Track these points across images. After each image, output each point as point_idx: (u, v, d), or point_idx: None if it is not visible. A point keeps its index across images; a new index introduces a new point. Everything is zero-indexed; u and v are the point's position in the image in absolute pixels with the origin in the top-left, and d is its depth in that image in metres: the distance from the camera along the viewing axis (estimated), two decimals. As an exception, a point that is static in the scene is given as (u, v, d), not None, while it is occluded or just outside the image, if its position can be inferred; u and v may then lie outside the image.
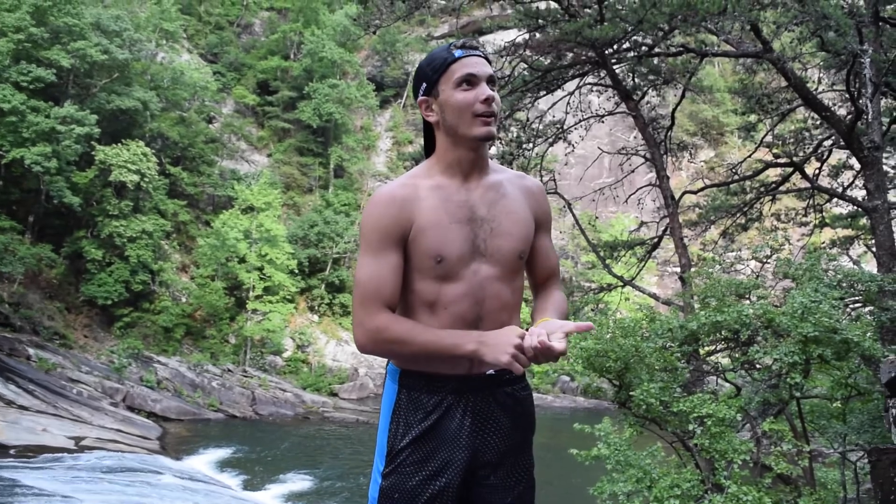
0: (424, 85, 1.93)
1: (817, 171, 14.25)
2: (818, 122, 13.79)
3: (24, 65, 26.76)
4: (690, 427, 6.29)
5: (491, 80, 1.90)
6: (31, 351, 25.12)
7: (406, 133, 43.58)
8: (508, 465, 1.95)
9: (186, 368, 29.54)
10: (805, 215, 15.07)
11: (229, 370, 31.04)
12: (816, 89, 12.70)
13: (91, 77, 30.07)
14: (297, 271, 34.44)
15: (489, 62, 1.94)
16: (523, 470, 1.98)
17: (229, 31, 43.28)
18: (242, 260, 32.65)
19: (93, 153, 28.28)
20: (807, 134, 14.78)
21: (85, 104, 28.80)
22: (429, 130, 2.01)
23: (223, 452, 23.05)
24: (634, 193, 14.47)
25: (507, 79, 13.11)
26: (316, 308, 36.56)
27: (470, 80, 1.88)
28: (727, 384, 8.18)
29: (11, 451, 19.19)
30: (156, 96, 31.88)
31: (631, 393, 6.67)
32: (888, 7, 11.06)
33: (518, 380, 1.98)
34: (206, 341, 32.13)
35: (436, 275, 1.88)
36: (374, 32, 14.39)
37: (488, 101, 1.87)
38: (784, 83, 12.78)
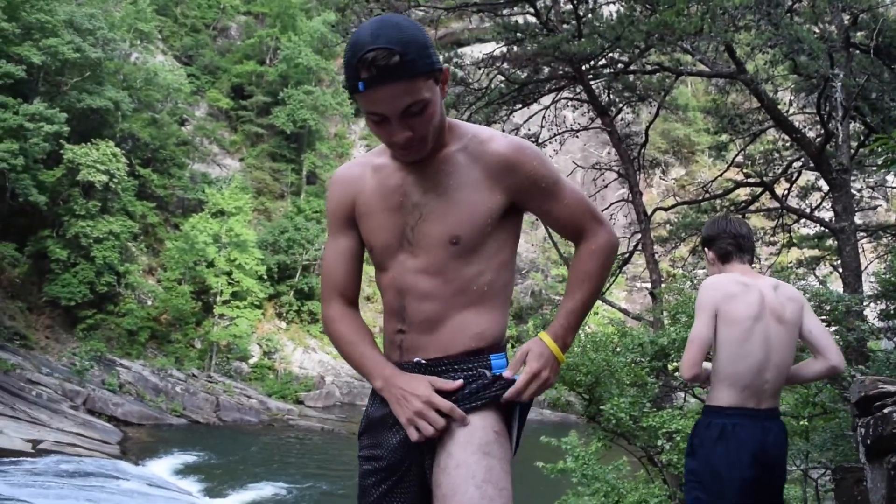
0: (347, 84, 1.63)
1: (786, 192, 14.49)
2: (788, 144, 14.05)
3: (-8, 60, 26.30)
4: (659, 442, 6.31)
5: (410, 109, 1.59)
6: (-10, 351, 24.58)
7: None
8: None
9: (150, 372, 29.06)
10: (773, 235, 15.31)
11: (194, 375, 30.60)
12: (787, 111, 12.91)
13: (62, 75, 29.60)
14: (265, 277, 34.14)
15: (418, 71, 1.56)
16: None
17: (205, 33, 42.90)
18: (211, 264, 32.26)
19: (61, 152, 27.79)
20: (777, 155, 15.04)
21: (55, 102, 28.32)
22: None
23: (185, 458, 22.70)
24: (607, 209, 14.57)
25: (483, 91, 13.16)
26: (284, 315, 36.23)
27: (380, 118, 1.62)
28: (694, 399, 8.23)
29: (-34, 454, 18.75)
30: (128, 97, 31.46)
31: (601, 407, 6.68)
32: (858, 33, 11.29)
33: (449, 370, 1.75)
34: (171, 345, 31.65)
35: (375, 262, 1.84)
36: (352, 40, 14.36)
37: (402, 140, 1.64)
38: (756, 104, 13.00)
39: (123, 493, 17.82)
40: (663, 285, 11.31)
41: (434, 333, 1.76)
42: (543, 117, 14.26)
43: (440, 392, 1.69)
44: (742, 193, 15.20)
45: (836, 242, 10.86)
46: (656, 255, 13.05)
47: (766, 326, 2.84)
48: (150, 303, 32.05)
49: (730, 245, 3.03)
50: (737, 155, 15.18)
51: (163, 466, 21.74)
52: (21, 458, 19.26)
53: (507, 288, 1.82)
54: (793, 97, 14.32)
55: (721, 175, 15.58)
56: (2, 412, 21.60)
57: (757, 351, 2.82)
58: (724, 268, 3.04)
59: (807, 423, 6.66)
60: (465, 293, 1.75)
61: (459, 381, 1.69)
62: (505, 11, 13.32)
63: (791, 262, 15.09)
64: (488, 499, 1.56)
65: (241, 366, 32.95)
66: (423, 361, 1.75)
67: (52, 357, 27.43)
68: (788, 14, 10.73)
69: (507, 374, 1.74)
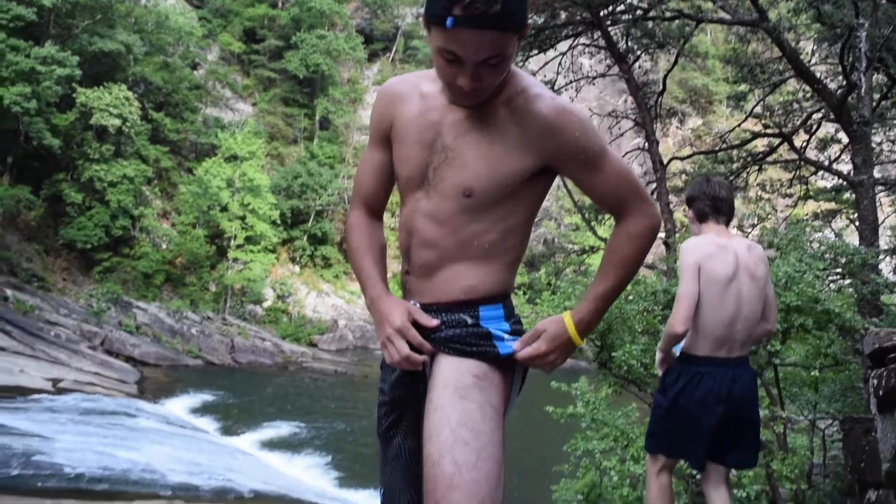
0: (424, 10, 1.54)
1: (805, 144, 14.32)
2: (809, 95, 13.84)
3: (3, 2, 26.03)
4: (669, 390, 6.39)
5: (489, 61, 1.52)
6: (9, 292, 24.94)
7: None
8: None
9: (166, 314, 29.51)
10: (790, 187, 15.18)
11: (209, 318, 31.05)
12: (809, 62, 12.70)
13: (73, 18, 29.35)
14: (279, 222, 34.34)
15: (512, 26, 1.49)
16: None
17: (216, -26, 42.30)
18: (224, 208, 32.44)
19: (74, 95, 27.75)
20: (797, 106, 14.83)
21: (66, 45, 28.15)
22: None
23: (201, 398, 23.15)
24: (623, 157, 14.46)
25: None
26: (297, 259, 36.52)
27: (454, 59, 1.53)
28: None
29: (-12, 392, 19.16)
30: (139, 40, 31.23)
31: (612, 354, 6.77)
32: (886, -19, 11.01)
33: (437, 317, 1.74)
34: (186, 288, 32.06)
35: (399, 191, 1.86)
36: (368, -18, 14.15)
37: (467, 86, 1.56)
38: (777, 54, 12.79)
39: (142, 430, 18.25)
40: (677, 235, 11.30)
41: (430, 280, 1.77)
42: (560, 64, 14.07)
43: (419, 326, 1.72)
44: (760, 144, 15.04)
45: (853, 195, 10.79)
46: (671, 205, 13.02)
47: (739, 283, 3.15)
48: (164, 246, 32.35)
49: (707, 206, 3.32)
50: (755, 105, 14.96)
51: (179, 406, 22.19)
52: (41, 396, 19.70)
53: (511, 251, 1.76)
54: (815, 47, 14.04)
55: (739, 125, 15.38)
56: (22, 352, 22.05)
57: (731, 305, 3.12)
58: (701, 227, 3.35)
59: (817, 374, 6.74)
60: (466, 248, 1.72)
61: (436, 322, 1.71)
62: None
63: (807, 215, 14.98)
64: (462, 442, 1.55)
65: (255, 309, 33.37)
66: (419, 306, 1.78)
67: (70, 299, 27.85)
68: (814, -40, 10.47)
69: (515, 346, 1.71)
